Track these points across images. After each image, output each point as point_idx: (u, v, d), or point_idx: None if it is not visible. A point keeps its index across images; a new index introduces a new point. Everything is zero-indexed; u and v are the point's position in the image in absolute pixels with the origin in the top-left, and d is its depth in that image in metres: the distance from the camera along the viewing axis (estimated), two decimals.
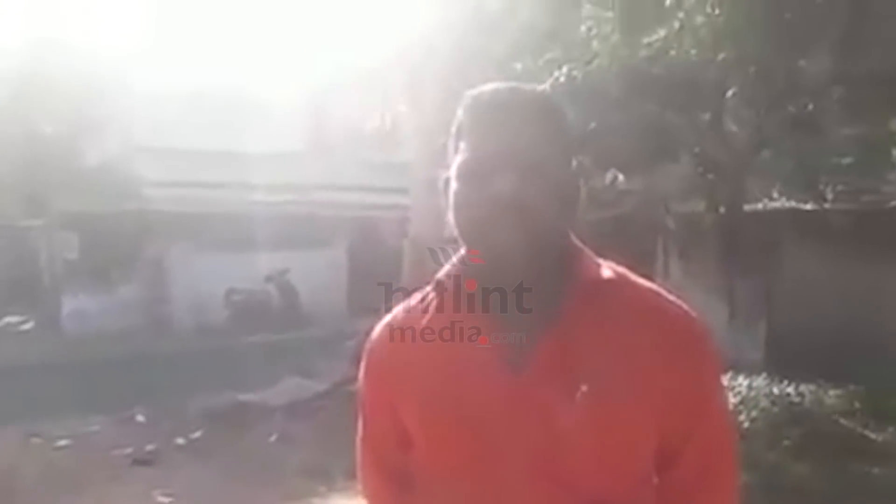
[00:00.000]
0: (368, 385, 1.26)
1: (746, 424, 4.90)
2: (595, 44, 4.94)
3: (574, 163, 1.19)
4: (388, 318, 1.26)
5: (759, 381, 5.44)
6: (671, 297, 1.18)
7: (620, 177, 7.53)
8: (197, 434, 6.13)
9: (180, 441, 5.99)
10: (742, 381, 5.53)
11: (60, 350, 10.37)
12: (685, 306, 1.18)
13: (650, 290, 1.18)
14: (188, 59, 13.16)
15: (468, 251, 1.16)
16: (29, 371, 9.01)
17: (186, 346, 10.45)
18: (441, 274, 1.21)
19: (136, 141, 12.02)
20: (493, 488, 1.09)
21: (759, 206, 7.43)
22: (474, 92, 1.14)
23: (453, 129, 1.14)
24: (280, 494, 4.80)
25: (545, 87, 1.15)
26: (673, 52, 4.99)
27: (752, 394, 5.33)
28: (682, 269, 7.25)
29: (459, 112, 1.14)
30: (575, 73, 4.75)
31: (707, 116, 6.28)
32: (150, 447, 5.86)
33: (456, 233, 1.13)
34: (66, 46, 12.45)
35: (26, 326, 12.89)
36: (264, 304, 12.07)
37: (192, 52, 13.09)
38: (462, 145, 1.12)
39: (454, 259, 1.21)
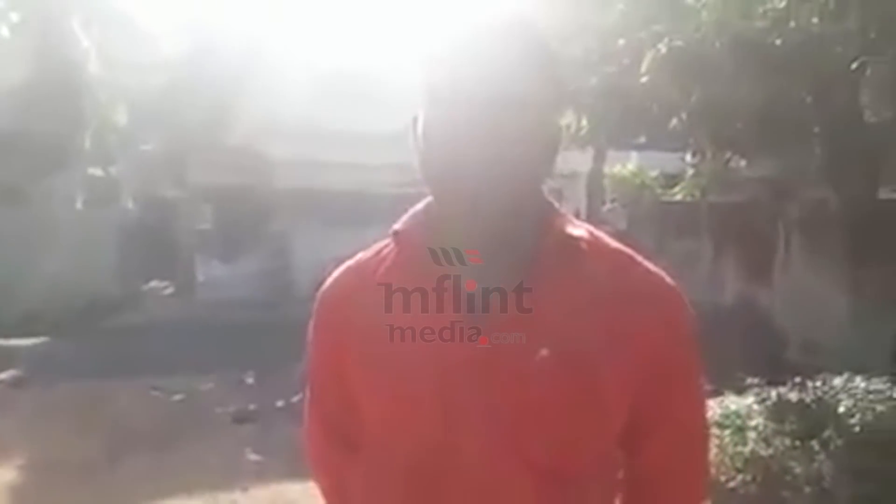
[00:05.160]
0: (317, 341, 1.18)
1: (857, 429, 4.47)
2: (704, 14, 4.63)
3: (559, 104, 1.09)
4: (340, 270, 1.17)
5: (879, 383, 4.94)
6: (649, 264, 1.07)
7: (742, 162, 7.10)
8: (297, 397, 6.39)
9: (280, 403, 6.27)
10: (859, 382, 5.05)
11: (193, 314, 11.17)
12: (663, 273, 1.07)
13: (626, 253, 1.07)
14: (317, 42, 13.62)
15: (435, 196, 1.05)
16: (165, 331, 9.79)
17: (304, 315, 10.89)
18: (400, 223, 1.11)
19: (266, 122, 12.65)
20: (441, 455, 0.99)
21: None
22: (453, 12, 1.01)
23: (425, 57, 1.01)
24: None
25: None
26: (793, 24, 4.59)
27: (870, 397, 4.85)
28: (805, 260, 6.72)
29: (434, 36, 1.01)
30: (679, 42, 4.47)
31: (839, 95, 5.76)
32: (251, 407, 6.20)
33: (421, 174, 1.02)
34: (208, 35, 13.37)
35: (168, 291, 14.02)
36: None
37: (322, 35, 13.53)
38: (435, 72, 0.99)
39: (415, 208, 1.12)
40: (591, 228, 1.09)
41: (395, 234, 1.10)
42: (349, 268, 1.16)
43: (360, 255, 1.16)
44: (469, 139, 0.94)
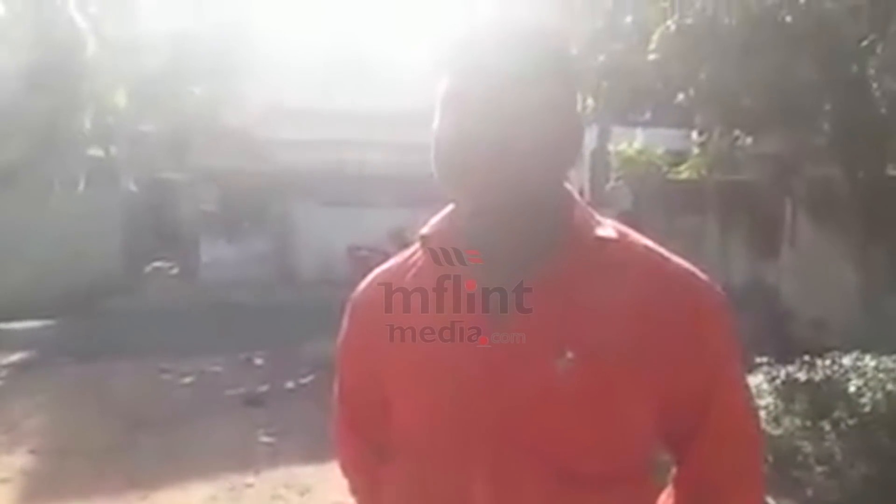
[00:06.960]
0: (349, 344, 1.19)
1: (868, 408, 4.49)
2: None
3: (576, 104, 1.08)
4: (371, 275, 1.19)
5: (889, 362, 4.95)
6: (682, 262, 1.05)
7: (748, 139, 7.04)
8: (306, 379, 6.42)
9: (290, 385, 6.30)
10: (868, 361, 5.05)
11: (197, 295, 11.18)
12: (698, 271, 1.04)
13: (656, 251, 1.05)
14: (318, 22, 13.50)
15: (451, 199, 1.06)
16: (171, 313, 9.81)
17: (308, 296, 10.94)
18: (426, 229, 1.12)
19: (267, 102, 12.55)
20: (463, 455, 0.99)
21: None
22: (468, 19, 1.05)
23: (440, 62, 1.02)
24: None
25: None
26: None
27: (880, 376, 4.85)
28: (813, 237, 6.70)
29: (449, 43, 1.02)
30: (689, 20, 4.41)
31: (850, 70, 5.70)
32: (262, 389, 6.23)
33: (436, 178, 1.02)
34: (208, 15, 13.19)
35: (173, 272, 14.01)
36: (383, 260, 12.38)
37: (323, 15, 13.42)
38: (447, 80, 1.00)
39: (443, 212, 1.12)
40: (619, 226, 1.08)
41: (423, 238, 1.11)
42: (379, 274, 1.18)
43: (391, 262, 1.18)
44: (477, 146, 0.94)
